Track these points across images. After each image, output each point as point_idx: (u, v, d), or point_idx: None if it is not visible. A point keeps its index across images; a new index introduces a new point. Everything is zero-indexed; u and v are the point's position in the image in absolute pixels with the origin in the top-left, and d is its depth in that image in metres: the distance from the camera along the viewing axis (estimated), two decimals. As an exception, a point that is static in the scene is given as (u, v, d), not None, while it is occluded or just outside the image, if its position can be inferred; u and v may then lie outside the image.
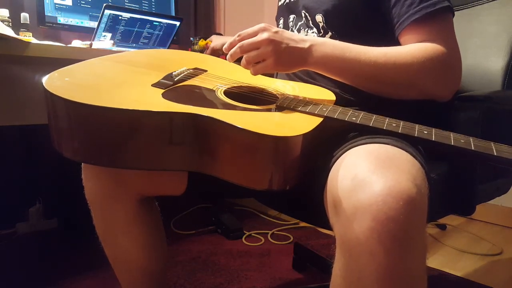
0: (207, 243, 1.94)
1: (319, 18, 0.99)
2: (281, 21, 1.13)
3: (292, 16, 1.08)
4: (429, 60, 0.87)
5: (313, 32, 1.01)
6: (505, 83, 1.16)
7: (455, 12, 1.30)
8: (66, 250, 1.81)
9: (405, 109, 0.91)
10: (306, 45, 0.89)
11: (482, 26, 1.26)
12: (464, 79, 1.22)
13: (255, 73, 0.91)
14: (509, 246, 2.03)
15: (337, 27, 0.97)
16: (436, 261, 1.84)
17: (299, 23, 1.05)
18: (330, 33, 0.99)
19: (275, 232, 2.08)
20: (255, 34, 0.89)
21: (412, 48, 0.89)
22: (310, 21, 1.01)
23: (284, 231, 2.08)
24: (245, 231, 2.04)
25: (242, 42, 0.89)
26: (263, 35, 0.88)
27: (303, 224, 2.15)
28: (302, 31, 1.04)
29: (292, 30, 1.07)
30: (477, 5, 1.29)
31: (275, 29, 0.89)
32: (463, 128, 0.93)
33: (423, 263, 0.62)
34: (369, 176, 0.61)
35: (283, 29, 0.93)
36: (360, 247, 0.59)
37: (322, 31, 1.01)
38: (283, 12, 1.12)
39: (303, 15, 1.03)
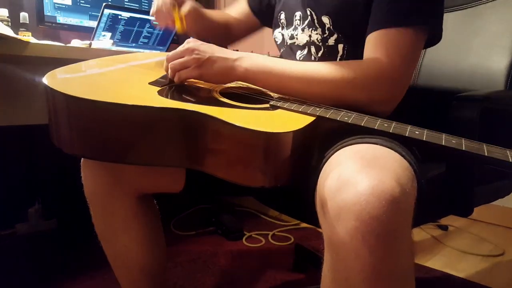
0: (207, 244, 1.92)
1: (325, 19, 0.98)
2: (283, 15, 1.10)
3: (298, 14, 1.05)
4: (362, 76, 0.87)
5: (317, 34, 1.00)
6: (508, 83, 1.14)
7: (459, 12, 1.32)
8: (65, 251, 1.81)
9: (402, 110, 0.91)
10: (233, 57, 0.91)
11: (485, 25, 1.25)
12: (466, 79, 1.23)
13: (178, 80, 0.92)
14: (511, 247, 2.02)
15: (344, 28, 0.97)
16: (437, 262, 1.83)
17: (306, 22, 1.03)
18: (336, 35, 0.98)
19: (275, 233, 2.06)
20: (182, 47, 0.93)
21: (346, 64, 0.90)
22: (316, 21, 1.00)
23: (285, 232, 2.07)
24: (245, 232, 2.03)
25: (168, 55, 0.94)
26: (187, 45, 0.92)
27: (303, 225, 2.14)
28: (306, 30, 1.02)
29: (296, 28, 1.05)
30: (480, 4, 1.28)
31: (202, 42, 0.93)
32: (461, 128, 0.92)
33: (409, 262, 0.63)
34: (353, 176, 0.61)
35: (213, 44, 0.95)
36: (345, 247, 0.59)
37: (327, 32, 0.99)
38: (286, 6, 1.09)
39: (308, 13, 1.01)
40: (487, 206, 1.17)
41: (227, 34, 1.30)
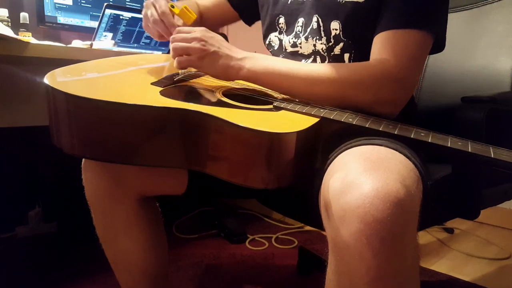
0: (210, 247, 1.91)
1: (335, 25, 0.96)
2: (282, 20, 1.06)
3: (301, 20, 1.02)
4: (367, 77, 0.86)
5: (322, 43, 0.98)
6: (515, 84, 1.13)
7: (464, 12, 1.30)
8: (66, 254, 1.80)
9: (410, 112, 0.91)
10: (239, 55, 0.91)
11: (491, 26, 1.24)
12: (472, 80, 1.22)
13: (177, 65, 0.91)
14: (517, 250, 2.01)
15: (354, 34, 0.95)
16: (443, 265, 1.82)
17: (309, 29, 1.00)
18: (343, 43, 0.96)
19: (279, 236, 2.05)
20: (192, 31, 0.92)
21: (351, 65, 0.89)
22: (322, 28, 0.97)
23: (289, 235, 2.06)
24: (248, 235, 2.02)
25: (176, 36, 0.93)
26: (197, 34, 0.91)
27: (308, 227, 2.12)
28: (310, 39, 1.00)
29: (297, 36, 1.02)
30: (486, 4, 1.27)
31: (213, 34, 0.92)
32: (467, 130, 0.92)
33: (414, 265, 0.63)
34: (358, 178, 0.61)
35: (223, 39, 0.94)
36: (349, 250, 0.59)
37: (332, 40, 0.97)
38: (286, 10, 1.06)
39: (315, 19, 0.99)
40: (494, 208, 1.17)
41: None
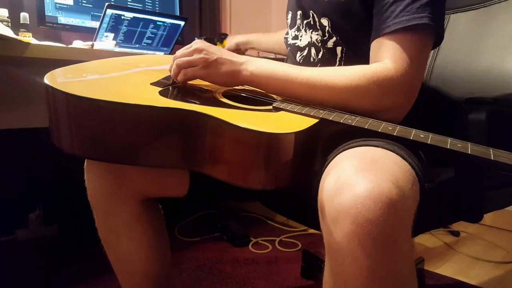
0: (213, 250, 1.91)
1: (324, 21, 0.98)
2: (290, 15, 1.10)
3: (299, 13, 1.05)
4: (365, 82, 0.84)
5: (317, 34, 1.00)
6: (523, 85, 1.12)
7: (472, 12, 1.28)
8: (66, 257, 1.80)
9: (413, 112, 0.90)
10: (240, 60, 0.92)
11: (499, 25, 1.22)
12: (480, 81, 1.20)
13: (183, 77, 0.92)
14: (524, 253, 2.00)
15: (342, 31, 0.97)
16: (449, 269, 1.81)
17: (305, 21, 1.03)
18: (335, 38, 0.98)
19: (282, 239, 2.04)
20: (190, 47, 0.94)
21: (350, 70, 0.88)
22: (317, 23, 1.00)
23: (292, 238, 2.05)
24: (252, 238, 2.01)
25: (176, 54, 0.94)
26: (196, 45, 0.92)
27: (311, 230, 2.11)
28: (308, 31, 1.02)
29: (299, 28, 1.06)
30: (494, 4, 1.24)
31: (210, 44, 0.94)
32: (469, 131, 0.91)
33: (408, 265, 0.63)
34: (351, 179, 0.61)
35: (221, 47, 0.98)
36: (343, 251, 0.59)
37: (327, 35, 0.98)
38: (293, 5, 1.09)
39: (310, 14, 1.01)
40: (501, 212, 1.15)
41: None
